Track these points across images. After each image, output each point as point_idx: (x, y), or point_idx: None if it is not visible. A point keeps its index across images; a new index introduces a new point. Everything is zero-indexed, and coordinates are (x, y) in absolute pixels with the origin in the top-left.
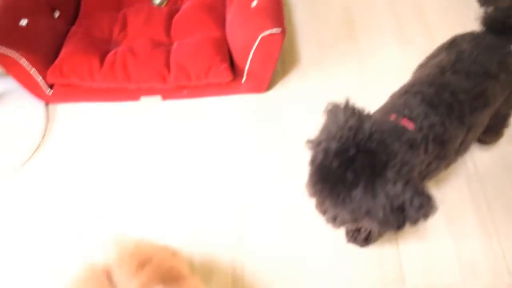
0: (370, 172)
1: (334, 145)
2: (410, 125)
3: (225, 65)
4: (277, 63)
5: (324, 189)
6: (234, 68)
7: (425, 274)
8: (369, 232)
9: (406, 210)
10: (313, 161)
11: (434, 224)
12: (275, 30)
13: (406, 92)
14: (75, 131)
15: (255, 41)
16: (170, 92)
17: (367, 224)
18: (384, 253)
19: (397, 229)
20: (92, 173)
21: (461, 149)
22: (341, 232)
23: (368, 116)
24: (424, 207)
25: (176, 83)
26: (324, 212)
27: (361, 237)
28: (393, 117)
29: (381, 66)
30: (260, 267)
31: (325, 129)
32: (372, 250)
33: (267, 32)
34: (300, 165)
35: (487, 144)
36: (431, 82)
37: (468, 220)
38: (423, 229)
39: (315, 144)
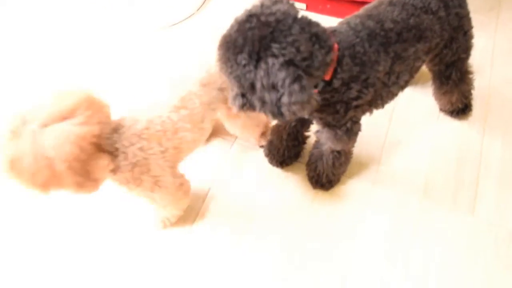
0: (258, 41)
1: (243, 16)
2: (334, 41)
3: None
4: None
5: (223, 55)
6: None
7: None
8: (327, 174)
9: (279, 91)
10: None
11: None
12: None
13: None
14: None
15: None
16: (316, 2)
17: (257, 107)
18: None
19: (277, 117)
20: None
21: (391, 81)
22: None
23: (288, 3)
24: (296, 93)
25: None
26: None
27: (322, 180)
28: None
29: None
30: None
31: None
32: None
33: None
34: None
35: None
36: (361, 13)
37: None
38: None
39: None
